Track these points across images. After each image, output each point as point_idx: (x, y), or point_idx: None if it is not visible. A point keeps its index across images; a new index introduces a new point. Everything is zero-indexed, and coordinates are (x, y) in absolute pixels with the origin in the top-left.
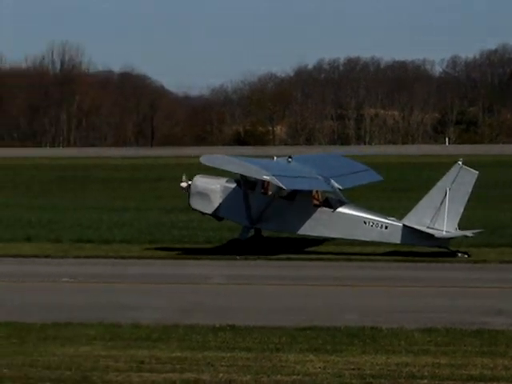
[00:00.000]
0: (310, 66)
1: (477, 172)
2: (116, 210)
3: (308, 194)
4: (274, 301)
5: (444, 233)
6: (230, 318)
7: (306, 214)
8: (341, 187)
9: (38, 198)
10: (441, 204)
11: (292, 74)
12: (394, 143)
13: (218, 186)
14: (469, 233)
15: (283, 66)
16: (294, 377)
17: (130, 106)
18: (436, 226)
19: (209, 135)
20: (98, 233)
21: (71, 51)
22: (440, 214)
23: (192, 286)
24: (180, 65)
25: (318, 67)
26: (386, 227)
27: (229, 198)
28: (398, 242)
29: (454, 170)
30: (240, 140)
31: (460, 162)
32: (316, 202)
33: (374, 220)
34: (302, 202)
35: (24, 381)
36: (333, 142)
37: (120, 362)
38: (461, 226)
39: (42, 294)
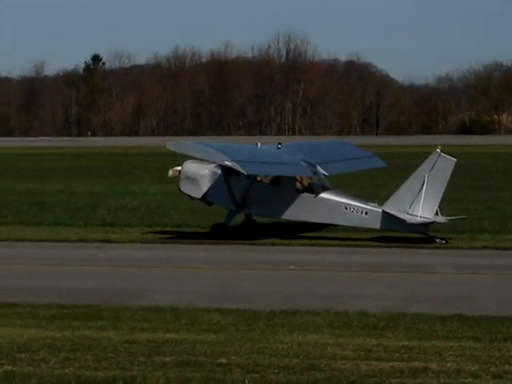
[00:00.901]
0: None
1: (455, 159)
2: None
3: (291, 179)
4: (501, 291)
5: (418, 218)
6: (458, 308)
7: (289, 199)
8: (326, 173)
9: None
10: (419, 190)
11: None
12: None
13: (207, 171)
14: (443, 219)
15: (509, 54)
16: None
17: (355, 94)
18: (414, 212)
19: (434, 124)
20: None
21: (297, 40)
22: (418, 200)
23: (418, 275)
24: (405, 53)
25: None
26: (366, 213)
27: (217, 183)
28: (378, 227)
29: (432, 157)
30: (465, 129)
31: (438, 150)
32: (299, 187)
33: (355, 206)
34: (285, 187)
35: (252, 368)
36: None
37: (347, 351)
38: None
39: (268, 282)
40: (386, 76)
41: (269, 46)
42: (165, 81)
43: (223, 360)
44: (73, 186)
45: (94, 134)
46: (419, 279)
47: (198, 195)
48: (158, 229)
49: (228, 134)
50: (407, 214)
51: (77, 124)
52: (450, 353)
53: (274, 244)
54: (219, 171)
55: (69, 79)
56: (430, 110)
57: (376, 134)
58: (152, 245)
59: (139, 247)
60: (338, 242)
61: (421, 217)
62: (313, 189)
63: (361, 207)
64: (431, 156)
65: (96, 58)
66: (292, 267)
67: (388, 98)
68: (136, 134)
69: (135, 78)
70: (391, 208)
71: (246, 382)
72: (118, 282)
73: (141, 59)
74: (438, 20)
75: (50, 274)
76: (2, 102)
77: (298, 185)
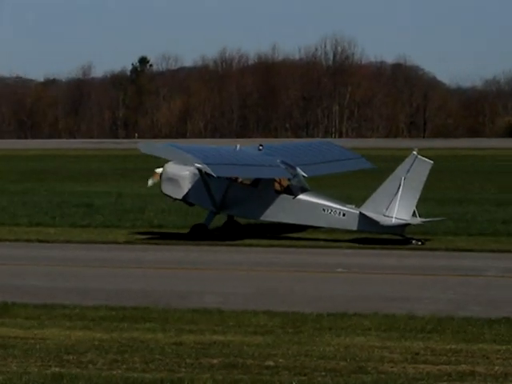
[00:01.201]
0: None
1: (431, 162)
2: None
3: (270, 180)
4: None
5: (393, 220)
6: (506, 311)
7: (268, 201)
8: (305, 175)
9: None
10: (396, 193)
11: None
12: None
13: (187, 172)
14: (418, 221)
15: None
16: None
17: (402, 97)
18: (390, 214)
19: (481, 127)
20: None
21: (344, 42)
22: (394, 202)
23: (466, 278)
24: (452, 56)
25: None
26: (344, 214)
27: (197, 184)
28: (355, 228)
29: (409, 160)
30: None
31: (415, 152)
32: (278, 188)
33: (333, 207)
34: (263, 188)
35: (299, 370)
36: None
37: (395, 353)
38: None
39: (316, 284)
40: (433, 79)
41: (316, 49)
42: (212, 83)
43: (270, 362)
44: (120, 188)
45: (141, 136)
46: (467, 282)
47: (179, 196)
48: None
49: (275, 136)
50: (384, 215)
51: (124, 126)
52: (498, 356)
53: (321, 247)
54: (199, 172)
55: (116, 81)
56: (477, 112)
57: (423, 137)
58: (199, 247)
59: (185, 249)
60: (386, 245)
61: (396, 218)
62: (291, 190)
63: (338, 209)
64: (408, 158)
65: (143, 60)
66: (340, 270)
67: (435, 100)
68: (183, 136)
69: (182, 80)
70: (368, 210)
71: None
72: (166, 284)
73: (188, 61)
74: (486, 23)
75: (97, 275)
76: (50, 104)
77: (277, 186)
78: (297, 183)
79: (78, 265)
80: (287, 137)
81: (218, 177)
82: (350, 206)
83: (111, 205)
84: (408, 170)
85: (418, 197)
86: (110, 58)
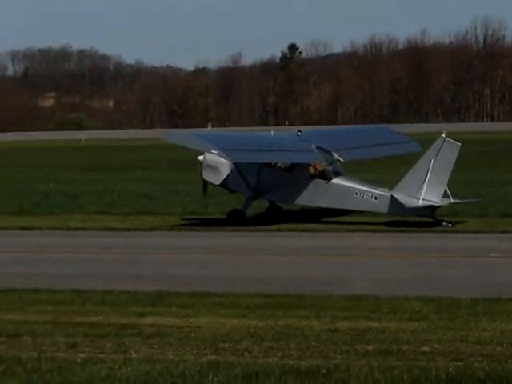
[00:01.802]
0: None
1: (460, 144)
2: None
3: (305, 165)
4: None
5: (420, 202)
6: None
7: (302, 185)
8: (341, 159)
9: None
10: (425, 175)
11: None
12: None
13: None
14: (445, 202)
15: None
16: None
17: None
18: (418, 196)
19: None
20: None
21: (494, 25)
22: (423, 184)
23: None
24: None
25: None
26: (376, 198)
27: (235, 171)
28: (386, 211)
29: (438, 143)
30: None
31: (444, 135)
32: (312, 173)
33: (365, 191)
34: (299, 173)
35: (455, 356)
36: None
37: None
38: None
39: (468, 269)
40: None
41: (466, 32)
42: (362, 69)
43: (426, 348)
44: None
45: (291, 123)
46: None
47: (218, 182)
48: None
49: (426, 121)
50: (414, 198)
51: (274, 113)
52: None
53: (475, 231)
54: None
55: (266, 69)
56: None
57: None
58: (341, 233)
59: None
60: None
61: (423, 200)
62: (325, 175)
63: (371, 192)
64: (437, 141)
65: (293, 47)
66: (492, 254)
67: None
68: (333, 122)
69: (332, 66)
70: (399, 192)
71: (450, 369)
72: (315, 271)
73: (337, 47)
74: None
75: (247, 262)
76: (200, 93)
77: (312, 171)
78: (331, 167)
79: (228, 253)
80: (438, 122)
81: (247, 163)
82: (383, 189)
83: None
84: (437, 153)
85: (447, 179)
86: (260, 45)
